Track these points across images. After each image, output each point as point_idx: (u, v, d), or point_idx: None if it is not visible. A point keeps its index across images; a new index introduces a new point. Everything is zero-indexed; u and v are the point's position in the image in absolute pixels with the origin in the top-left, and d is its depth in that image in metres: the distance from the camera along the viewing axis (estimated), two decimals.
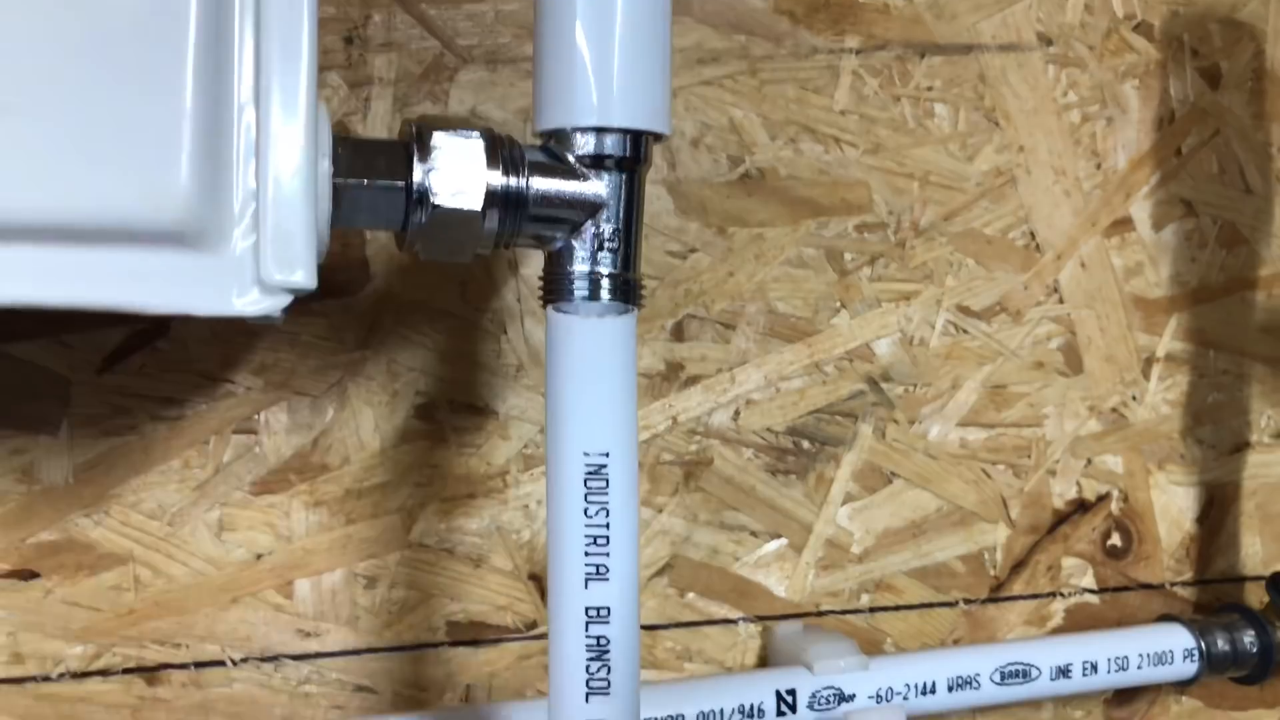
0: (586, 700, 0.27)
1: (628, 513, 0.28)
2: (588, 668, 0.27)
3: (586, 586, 0.27)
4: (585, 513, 0.27)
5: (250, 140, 0.23)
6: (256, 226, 0.23)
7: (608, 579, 0.27)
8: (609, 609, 0.27)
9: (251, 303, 0.23)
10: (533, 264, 0.40)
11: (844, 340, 0.44)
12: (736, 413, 0.42)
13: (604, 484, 0.27)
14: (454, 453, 0.39)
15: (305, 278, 0.24)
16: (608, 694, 0.27)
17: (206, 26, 0.23)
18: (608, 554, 0.27)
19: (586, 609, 0.27)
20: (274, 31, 0.23)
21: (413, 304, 0.38)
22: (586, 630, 0.27)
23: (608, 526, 0.27)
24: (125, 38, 0.22)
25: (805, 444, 0.43)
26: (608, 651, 0.27)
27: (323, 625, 0.37)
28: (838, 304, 0.44)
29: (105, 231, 0.22)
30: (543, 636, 0.40)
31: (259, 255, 0.23)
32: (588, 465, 0.27)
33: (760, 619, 0.43)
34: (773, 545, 0.43)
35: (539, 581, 0.40)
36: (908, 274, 0.45)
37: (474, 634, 0.39)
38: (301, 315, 0.37)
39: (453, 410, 0.39)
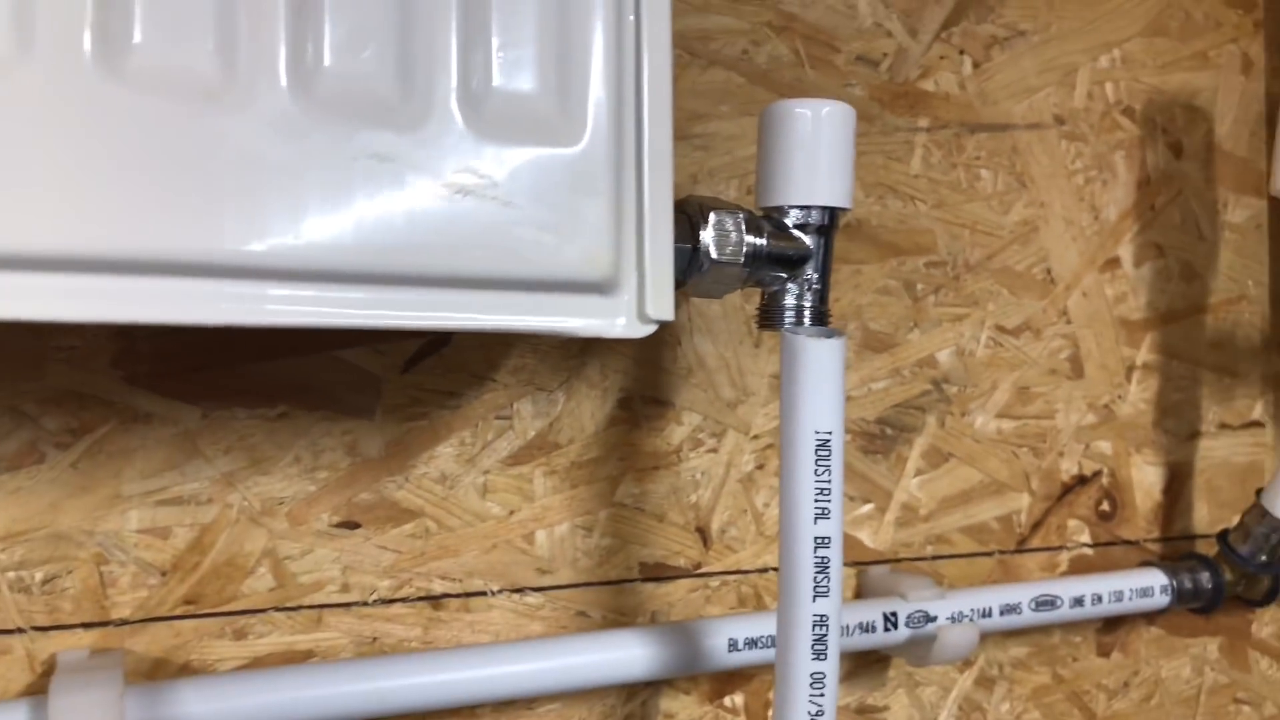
0: (814, 599, 0.40)
1: (839, 474, 0.40)
2: (814, 578, 0.40)
3: (815, 522, 0.40)
4: (815, 473, 0.40)
5: (636, 222, 0.35)
6: (639, 278, 0.35)
7: (830, 517, 0.40)
8: (829, 538, 0.40)
9: (634, 329, 0.35)
10: None
11: (916, 351, 0.57)
12: None
13: (828, 454, 0.40)
14: (644, 434, 0.51)
15: (669, 313, 0.36)
16: (828, 595, 0.40)
17: (613, 161, 0.35)
18: (830, 501, 0.40)
19: (815, 538, 0.40)
20: (652, 157, 0.35)
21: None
22: (815, 552, 0.40)
23: (829, 482, 0.40)
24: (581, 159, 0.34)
25: (888, 430, 0.56)
26: (829, 566, 0.40)
27: (554, 564, 0.49)
28: (912, 323, 0.57)
29: (560, 283, 0.34)
30: (705, 575, 0.52)
31: (641, 298, 0.35)
32: (817, 439, 0.40)
33: (856, 564, 0.56)
34: (865, 508, 0.56)
35: (703, 533, 0.52)
36: (961, 300, 0.58)
37: (658, 573, 0.51)
38: None
39: (643, 402, 0.51)
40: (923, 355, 0.57)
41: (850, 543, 0.56)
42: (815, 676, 0.40)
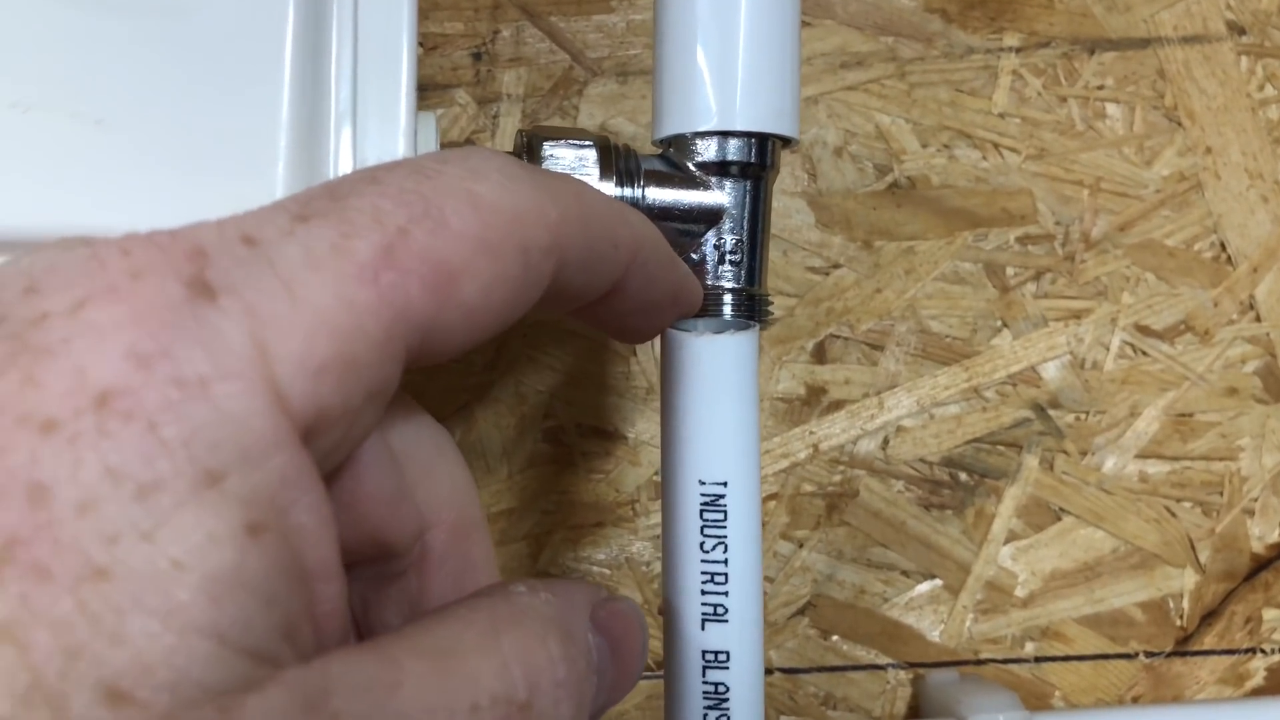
0: None
1: (749, 548, 0.25)
2: (705, 716, 0.25)
3: (704, 628, 0.25)
4: (702, 547, 0.25)
5: (347, 155, 0.23)
6: None
7: (726, 620, 0.25)
8: (728, 653, 0.25)
9: None
10: None
11: (1006, 363, 0.40)
12: (885, 441, 0.39)
13: (721, 516, 0.25)
14: (582, 478, 0.37)
15: None
16: None
17: (303, 40, 0.22)
18: (726, 593, 0.25)
19: (704, 653, 0.25)
20: (372, 45, 0.22)
21: (540, 325, 0.37)
22: (704, 676, 0.25)
23: (726, 563, 0.25)
24: (222, 49, 0.22)
25: (963, 476, 0.40)
26: (726, 699, 0.25)
27: None
28: (999, 323, 0.40)
29: None
30: None
31: None
32: (704, 496, 0.25)
33: (912, 666, 0.39)
34: (926, 586, 0.40)
35: None
36: (1078, 290, 0.41)
37: None
38: None
39: (581, 434, 0.37)
40: (1017, 368, 0.40)
41: (905, 635, 0.39)
42: None
